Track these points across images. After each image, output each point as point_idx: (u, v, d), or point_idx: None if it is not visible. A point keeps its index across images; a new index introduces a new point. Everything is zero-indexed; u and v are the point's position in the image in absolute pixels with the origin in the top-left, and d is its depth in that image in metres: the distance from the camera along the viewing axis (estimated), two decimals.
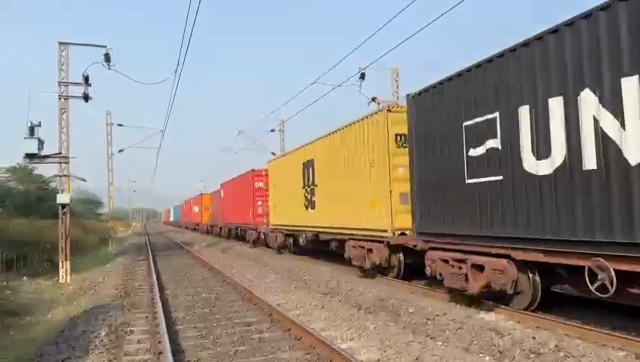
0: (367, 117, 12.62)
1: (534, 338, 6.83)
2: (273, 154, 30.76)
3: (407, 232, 11.18)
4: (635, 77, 5.79)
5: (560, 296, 9.72)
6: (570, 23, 6.66)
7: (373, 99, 21.07)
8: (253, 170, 25.38)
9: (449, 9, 10.58)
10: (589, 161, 6.34)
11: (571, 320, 7.47)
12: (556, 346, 6.47)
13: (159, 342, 7.32)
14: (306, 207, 16.74)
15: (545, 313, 8.00)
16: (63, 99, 16.43)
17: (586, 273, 6.45)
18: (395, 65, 22.56)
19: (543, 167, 7.06)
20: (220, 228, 37.94)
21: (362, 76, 19.86)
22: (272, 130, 31.21)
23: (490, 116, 8.04)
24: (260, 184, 24.58)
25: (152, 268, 17.31)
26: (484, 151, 8.20)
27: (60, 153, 16.30)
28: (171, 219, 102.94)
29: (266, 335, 7.82)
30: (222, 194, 35.40)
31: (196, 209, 55.50)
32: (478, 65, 8.37)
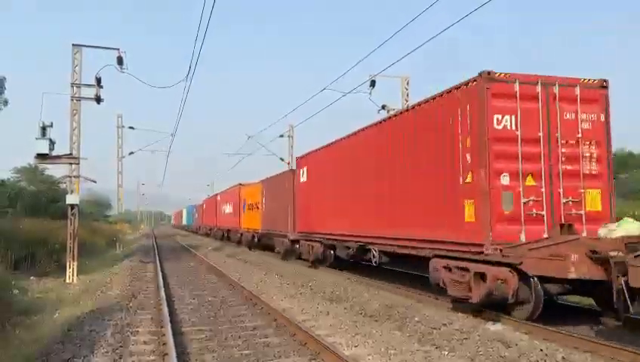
0: None
1: (541, 350, 6.77)
2: (282, 160, 30.87)
3: None
4: None
5: (569, 308, 9.64)
6: None
7: (383, 107, 21.07)
8: (489, 74, 8.76)
9: (461, 18, 10.60)
10: None
11: (577, 332, 7.40)
12: (563, 358, 6.41)
13: (164, 343, 7.35)
14: None
15: (553, 325, 7.93)
16: (75, 101, 16.59)
17: None
18: (407, 73, 22.51)
19: None
20: (292, 241, 21.34)
21: (372, 83, 19.82)
22: (281, 136, 31.33)
23: None
24: (508, 122, 8.77)
25: (159, 270, 17.37)
26: None
27: (71, 154, 16.43)
28: (184, 222, 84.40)
29: None
30: (302, 177, 19.52)
31: (228, 208, 37.61)
32: None
